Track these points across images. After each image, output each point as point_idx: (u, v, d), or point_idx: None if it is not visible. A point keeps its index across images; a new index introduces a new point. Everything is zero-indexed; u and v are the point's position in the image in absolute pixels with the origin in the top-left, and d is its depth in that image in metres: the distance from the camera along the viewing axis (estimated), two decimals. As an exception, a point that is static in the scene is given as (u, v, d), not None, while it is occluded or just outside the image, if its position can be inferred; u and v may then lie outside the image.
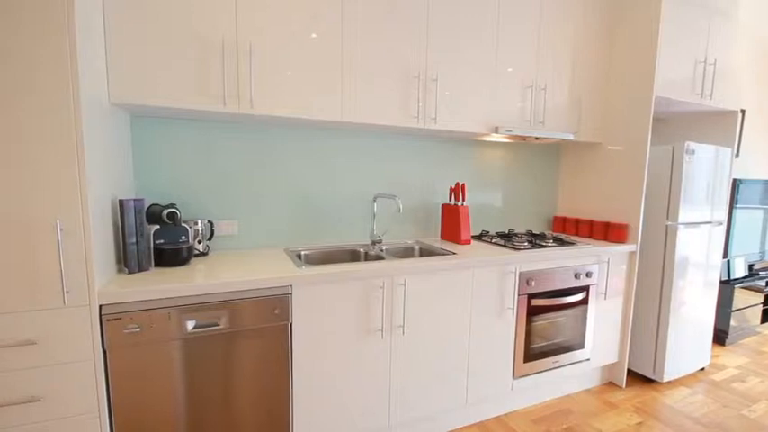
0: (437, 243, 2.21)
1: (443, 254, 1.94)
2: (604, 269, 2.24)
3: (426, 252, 2.12)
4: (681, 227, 2.27)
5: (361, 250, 2.08)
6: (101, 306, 1.22)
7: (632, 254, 2.31)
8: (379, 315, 1.65)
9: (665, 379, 2.39)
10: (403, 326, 1.71)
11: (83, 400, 1.21)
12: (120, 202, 1.38)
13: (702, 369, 2.64)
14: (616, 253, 2.26)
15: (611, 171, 2.44)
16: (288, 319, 1.48)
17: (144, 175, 1.74)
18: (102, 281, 1.28)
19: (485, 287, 1.89)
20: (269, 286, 1.43)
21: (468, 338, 1.88)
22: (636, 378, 2.48)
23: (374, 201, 2.13)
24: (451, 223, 2.26)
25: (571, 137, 2.29)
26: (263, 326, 1.45)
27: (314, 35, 1.66)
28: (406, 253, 2.20)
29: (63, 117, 1.12)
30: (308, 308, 1.52)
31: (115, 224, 1.43)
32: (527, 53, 2.16)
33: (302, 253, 1.95)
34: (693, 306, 2.44)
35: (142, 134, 1.72)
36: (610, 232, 2.37)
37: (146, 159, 1.73)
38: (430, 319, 1.77)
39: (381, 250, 2.09)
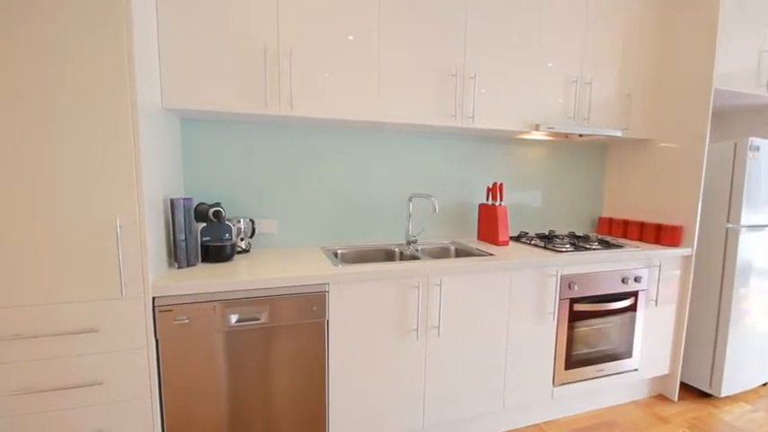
0: (473, 244, 2.17)
1: (480, 255, 1.90)
2: (655, 274, 2.10)
3: (463, 252, 2.09)
4: (743, 230, 2.08)
5: (397, 250, 2.09)
6: (154, 298, 1.30)
7: (687, 258, 2.16)
8: (414, 315, 1.65)
9: (723, 393, 2.20)
10: (438, 327, 1.70)
11: (137, 385, 1.31)
12: (171, 201, 1.47)
13: (765, 384, 2.42)
14: (669, 257, 2.12)
15: (664, 169, 2.29)
16: (325, 317, 1.52)
17: (191, 175, 1.84)
18: (155, 274, 1.36)
19: (524, 290, 1.83)
20: (307, 284, 1.47)
21: (506, 342, 1.83)
22: (689, 391, 2.32)
23: (410, 200, 2.13)
24: (489, 223, 2.21)
25: (619, 133, 2.16)
26: (301, 322, 1.49)
27: (351, 37, 1.68)
28: (442, 253, 2.18)
29: (122, 123, 1.21)
30: (344, 306, 1.54)
31: (166, 222, 1.52)
32: (572, 45, 2.06)
33: (339, 252, 1.99)
34: (756, 316, 2.24)
35: (190, 136, 1.82)
36: (662, 235, 2.22)
37: (193, 160, 1.83)
38: (466, 321, 1.74)
39: (417, 250, 2.08)
